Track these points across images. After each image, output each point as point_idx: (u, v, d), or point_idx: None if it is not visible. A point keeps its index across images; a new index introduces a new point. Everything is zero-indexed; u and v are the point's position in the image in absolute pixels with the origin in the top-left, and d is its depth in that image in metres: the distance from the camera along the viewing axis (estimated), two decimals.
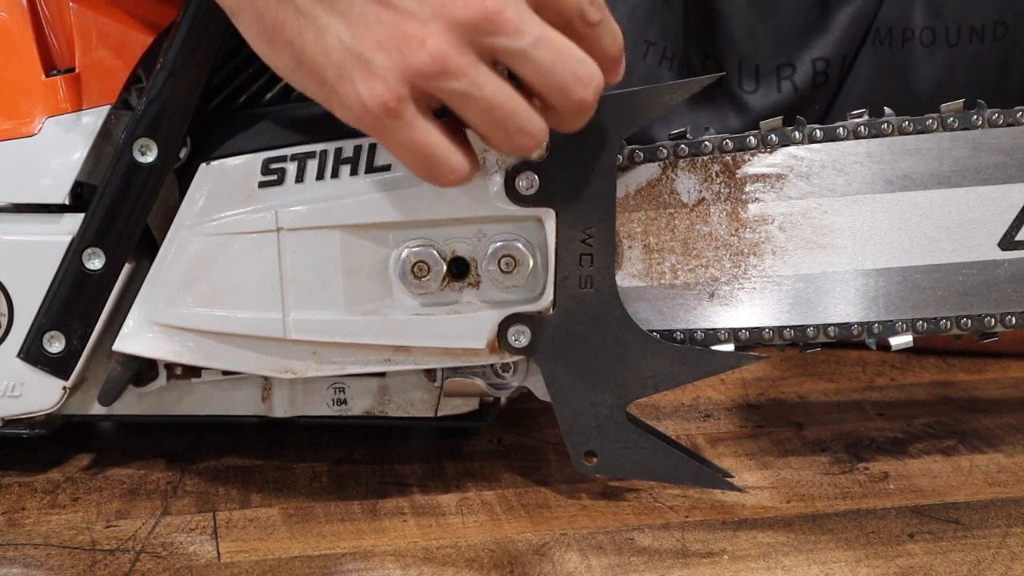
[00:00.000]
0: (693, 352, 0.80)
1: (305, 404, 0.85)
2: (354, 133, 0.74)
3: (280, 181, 0.77)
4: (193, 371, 0.83)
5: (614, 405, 0.80)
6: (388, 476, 0.86)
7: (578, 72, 0.68)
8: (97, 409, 0.83)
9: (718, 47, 1.04)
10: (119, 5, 0.78)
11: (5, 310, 0.79)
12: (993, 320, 0.81)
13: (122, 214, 0.77)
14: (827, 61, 1.02)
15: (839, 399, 0.97)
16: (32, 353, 0.79)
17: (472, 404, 0.86)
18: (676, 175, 0.80)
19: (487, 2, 0.65)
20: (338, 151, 0.77)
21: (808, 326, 0.81)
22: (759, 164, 0.80)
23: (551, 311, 0.79)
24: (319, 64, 0.67)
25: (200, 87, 0.76)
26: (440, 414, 0.85)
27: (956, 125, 0.80)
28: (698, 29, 1.04)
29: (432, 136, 0.68)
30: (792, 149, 0.80)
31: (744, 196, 0.80)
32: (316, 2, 0.66)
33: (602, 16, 0.69)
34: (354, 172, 0.77)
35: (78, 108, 0.78)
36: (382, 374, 0.84)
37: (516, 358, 0.80)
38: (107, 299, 0.79)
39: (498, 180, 0.77)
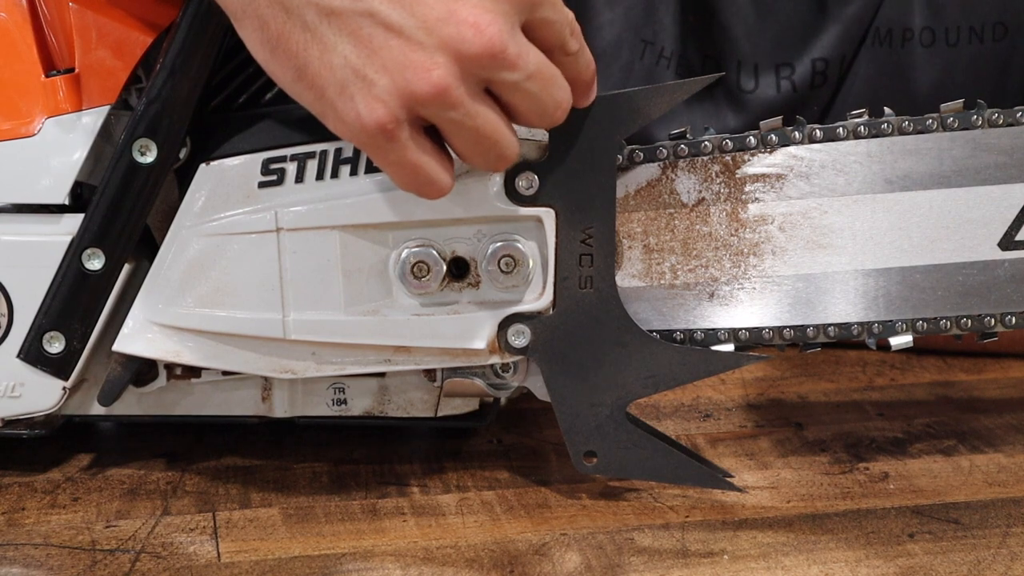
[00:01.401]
0: (693, 352, 0.80)
1: (305, 404, 0.85)
2: None
3: (280, 181, 0.77)
4: (193, 371, 0.83)
5: (614, 405, 0.80)
6: (388, 476, 0.86)
7: (558, 98, 0.71)
8: (97, 409, 0.83)
9: (717, 46, 1.04)
10: (119, 5, 0.78)
11: (5, 310, 0.79)
12: (993, 320, 0.81)
13: (122, 214, 0.77)
14: (826, 61, 1.02)
15: (839, 399, 0.97)
16: (32, 353, 0.79)
17: (472, 404, 0.86)
18: (676, 175, 0.80)
19: (493, 39, 0.67)
20: (338, 151, 0.77)
21: (808, 326, 0.81)
22: (759, 164, 0.80)
23: (551, 311, 0.79)
24: (321, 79, 0.68)
25: (200, 87, 0.76)
26: (440, 414, 0.85)
27: (956, 125, 0.80)
28: (696, 28, 1.04)
29: (422, 156, 0.70)
30: (792, 149, 0.80)
31: (744, 196, 0.80)
32: (325, 20, 0.67)
33: (580, 45, 0.72)
34: (354, 172, 0.77)
35: (78, 108, 0.78)
36: (382, 374, 0.84)
37: (516, 358, 0.80)
38: (107, 299, 0.79)
39: (498, 180, 0.77)
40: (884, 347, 0.84)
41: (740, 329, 0.81)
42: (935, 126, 0.80)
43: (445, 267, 0.78)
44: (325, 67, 0.68)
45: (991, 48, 1.02)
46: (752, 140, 0.80)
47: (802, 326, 0.81)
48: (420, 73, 0.67)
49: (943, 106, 0.80)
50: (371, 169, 0.77)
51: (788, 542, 0.78)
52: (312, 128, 0.76)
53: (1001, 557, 0.76)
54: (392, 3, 0.67)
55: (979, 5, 1.01)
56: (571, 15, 0.72)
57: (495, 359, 0.80)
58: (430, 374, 0.83)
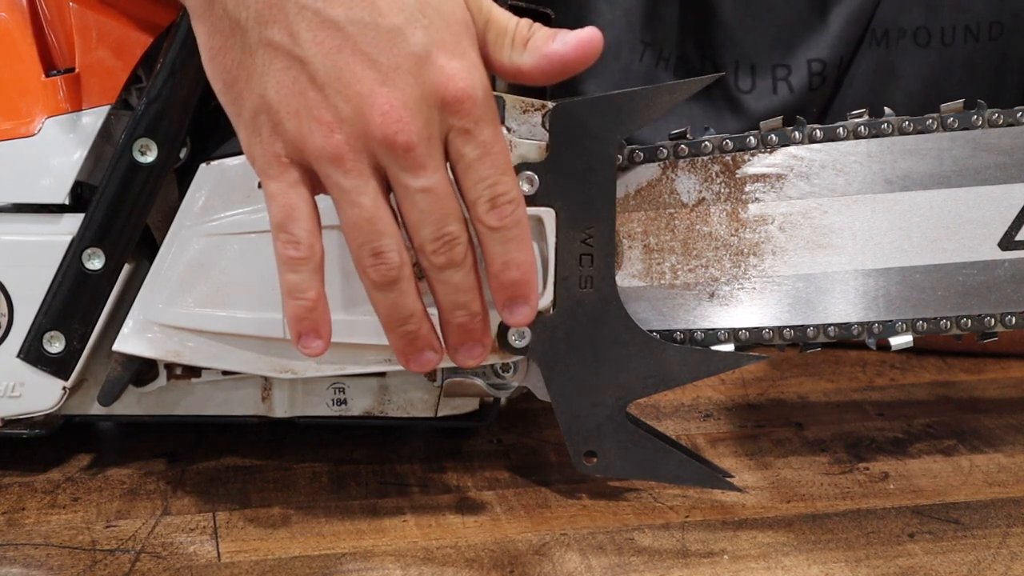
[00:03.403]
0: (693, 352, 0.80)
1: (305, 404, 0.85)
2: None
3: None
4: (193, 371, 0.83)
5: (614, 405, 0.80)
6: (388, 476, 0.86)
7: (447, 231, 0.69)
8: (97, 409, 0.83)
9: (715, 46, 1.04)
10: (119, 5, 0.78)
11: (5, 310, 0.79)
12: (993, 320, 0.81)
13: (122, 214, 0.77)
14: (823, 63, 1.02)
15: (839, 399, 0.97)
16: (32, 353, 0.79)
17: (472, 404, 0.86)
18: (676, 175, 0.80)
19: (399, 134, 0.67)
20: None
21: (808, 326, 0.81)
22: (759, 164, 0.80)
23: (551, 311, 0.79)
24: (242, 99, 0.69)
25: (200, 87, 0.76)
26: (440, 414, 0.85)
27: (956, 125, 0.80)
28: (695, 28, 1.04)
29: (300, 204, 0.69)
30: (792, 149, 0.80)
31: (744, 196, 0.80)
32: (262, 48, 0.68)
33: (502, 224, 0.70)
34: None
35: (78, 108, 0.78)
36: (382, 374, 0.84)
37: (516, 358, 0.80)
38: (107, 299, 0.79)
39: None
40: (884, 347, 0.84)
41: (740, 329, 0.81)
42: (935, 126, 0.80)
43: None
44: (248, 91, 0.69)
45: (987, 48, 1.02)
46: (752, 140, 0.80)
47: (802, 326, 0.81)
48: (323, 132, 0.67)
49: (943, 106, 0.80)
50: None
51: (788, 542, 0.78)
52: None
53: (1001, 557, 0.76)
54: (326, 59, 0.67)
55: (975, 4, 1.01)
56: (506, 187, 0.70)
57: (495, 359, 0.80)
58: (430, 374, 0.83)
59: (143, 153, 0.76)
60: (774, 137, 0.80)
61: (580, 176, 0.77)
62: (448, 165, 0.70)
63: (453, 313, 0.72)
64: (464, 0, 0.70)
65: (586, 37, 0.71)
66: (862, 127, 0.80)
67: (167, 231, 0.78)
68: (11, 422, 0.82)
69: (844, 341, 0.82)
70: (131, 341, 0.79)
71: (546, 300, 0.78)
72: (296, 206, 0.69)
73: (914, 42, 1.02)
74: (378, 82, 0.67)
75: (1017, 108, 0.80)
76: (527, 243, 0.71)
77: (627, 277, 0.81)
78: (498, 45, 0.71)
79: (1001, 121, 0.80)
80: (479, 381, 0.82)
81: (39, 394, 0.80)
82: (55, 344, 0.79)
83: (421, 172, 0.68)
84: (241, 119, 0.70)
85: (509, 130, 0.76)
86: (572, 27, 0.72)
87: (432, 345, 0.73)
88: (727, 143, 0.80)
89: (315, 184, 0.70)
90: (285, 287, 0.70)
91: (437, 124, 0.68)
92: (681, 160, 0.80)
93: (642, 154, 0.80)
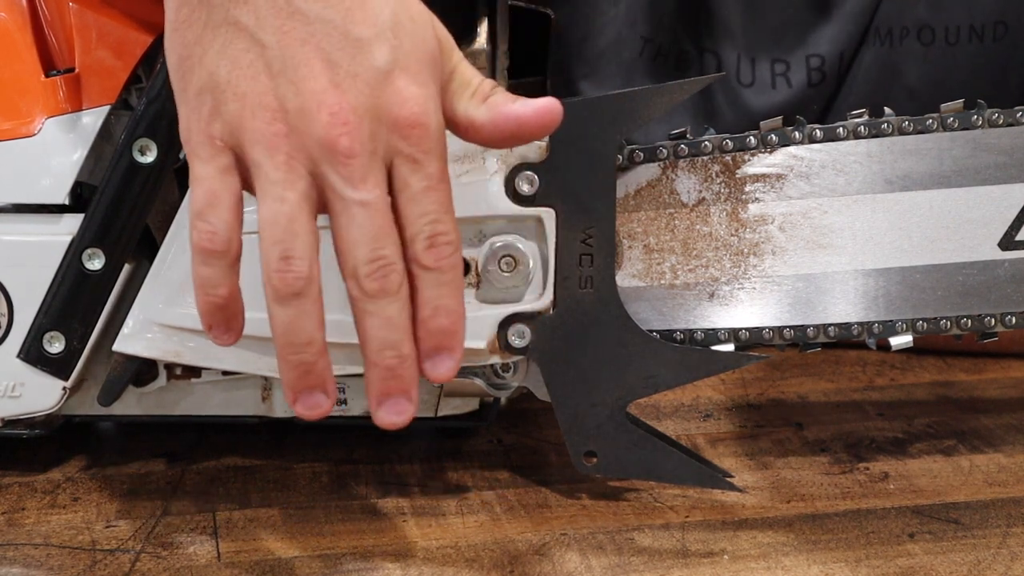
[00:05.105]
0: (693, 352, 0.80)
1: None
2: None
3: None
4: (193, 371, 0.83)
5: (614, 405, 0.80)
6: (388, 476, 0.86)
7: (382, 254, 0.65)
8: (97, 409, 0.83)
9: (715, 41, 1.04)
10: (119, 5, 0.78)
11: (5, 310, 0.79)
12: (993, 320, 0.81)
13: (122, 214, 0.77)
14: (822, 58, 1.02)
15: (839, 399, 0.97)
16: (32, 353, 0.79)
17: (472, 404, 0.86)
18: (676, 175, 0.80)
19: (343, 137, 0.64)
20: None
21: (808, 326, 0.81)
22: (759, 164, 0.80)
23: (551, 311, 0.79)
24: (192, 74, 0.66)
25: None
26: (440, 414, 0.85)
27: (956, 125, 0.80)
28: (694, 22, 1.04)
29: (224, 188, 0.66)
30: (792, 149, 0.80)
31: (744, 196, 0.80)
32: (224, 26, 0.65)
33: (438, 265, 0.66)
34: None
35: (78, 108, 0.78)
36: None
37: (516, 358, 0.80)
38: (107, 299, 0.79)
39: (498, 180, 0.77)
40: (884, 347, 0.85)
41: (740, 329, 0.81)
42: (935, 126, 0.80)
43: None
44: (199, 68, 0.66)
45: (991, 47, 1.02)
46: (752, 140, 0.80)
47: (802, 326, 0.81)
48: (265, 117, 0.64)
49: (943, 106, 0.80)
50: None
51: (788, 542, 0.78)
52: None
53: (1001, 557, 0.76)
54: (287, 48, 0.64)
55: (979, 4, 1.01)
56: (444, 228, 0.65)
57: (495, 359, 0.80)
58: None
59: (143, 153, 0.76)
60: (774, 137, 0.80)
61: (580, 176, 0.77)
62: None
63: (382, 354, 0.66)
64: (438, 43, 0.68)
65: (546, 105, 0.68)
66: (862, 127, 0.80)
67: (167, 231, 0.78)
68: (11, 422, 0.82)
69: (844, 341, 0.82)
70: (131, 341, 0.79)
71: (546, 300, 0.78)
72: (220, 195, 0.65)
73: (918, 40, 1.02)
74: (332, 83, 0.64)
75: (1017, 108, 0.80)
76: (459, 291, 0.67)
77: (627, 277, 0.81)
78: (458, 95, 0.68)
79: (1001, 121, 0.80)
80: (479, 381, 0.82)
81: (39, 394, 0.80)
82: (55, 344, 0.79)
83: (361, 184, 0.64)
84: (185, 95, 0.67)
85: None
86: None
87: (325, 387, 0.67)
88: (727, 143, 0.80)
89: (246, 179, 0.66)
90: (196, 279, 0.66)
91: (383, 143, 0.65)
92: (681, 160, 0.80)
93: (642, 154, 0.80)
